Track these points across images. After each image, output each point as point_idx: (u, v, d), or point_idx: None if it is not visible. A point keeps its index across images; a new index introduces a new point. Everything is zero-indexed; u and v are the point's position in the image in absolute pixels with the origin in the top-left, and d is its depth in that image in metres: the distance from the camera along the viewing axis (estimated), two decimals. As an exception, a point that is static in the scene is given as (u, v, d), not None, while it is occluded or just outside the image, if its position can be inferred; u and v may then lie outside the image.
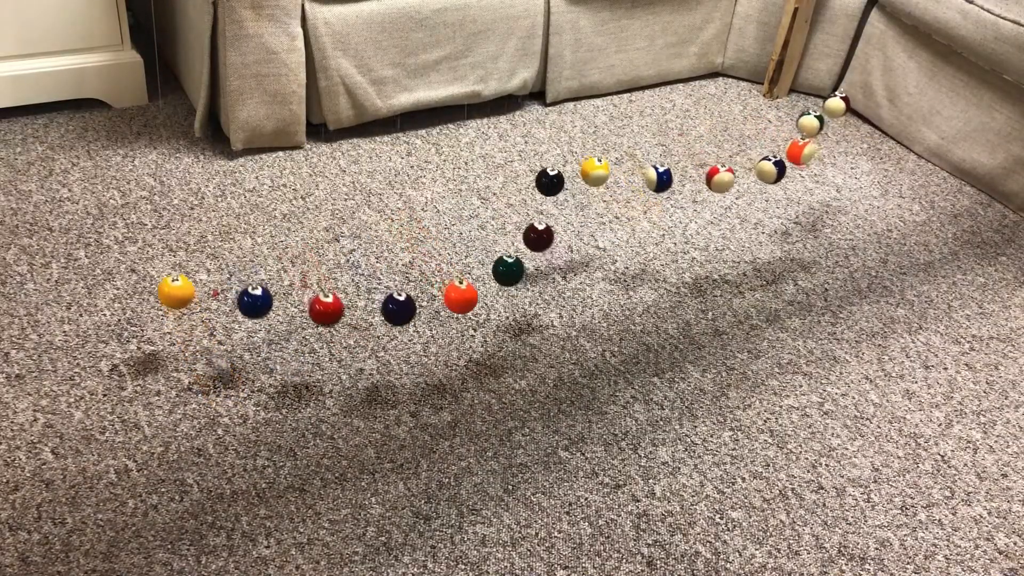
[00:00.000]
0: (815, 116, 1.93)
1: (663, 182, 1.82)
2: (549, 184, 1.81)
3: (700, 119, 2.46)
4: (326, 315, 1.49)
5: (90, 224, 1.87)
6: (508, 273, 1.64)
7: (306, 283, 1.77)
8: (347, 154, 2.16)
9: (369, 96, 2.17)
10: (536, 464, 1.48)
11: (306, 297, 1.74)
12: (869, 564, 1.38)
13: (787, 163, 1.95)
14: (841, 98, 1.98)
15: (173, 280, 1.49)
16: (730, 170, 1.83)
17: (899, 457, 1.56)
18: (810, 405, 1.64)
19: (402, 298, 1.51)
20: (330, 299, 1.48)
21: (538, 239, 1.75)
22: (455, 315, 1.74)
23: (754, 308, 1.85)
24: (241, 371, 1.58)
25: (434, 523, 1.38)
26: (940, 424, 1.63)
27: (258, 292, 1.49)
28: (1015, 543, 1.44)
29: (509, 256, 1.64)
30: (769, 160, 1.87)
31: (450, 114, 2.34)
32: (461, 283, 1.54)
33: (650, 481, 1.47)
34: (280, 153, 2.14)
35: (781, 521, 1.44)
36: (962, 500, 1.50)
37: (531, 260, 1.89)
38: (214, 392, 1.54)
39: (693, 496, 1.46)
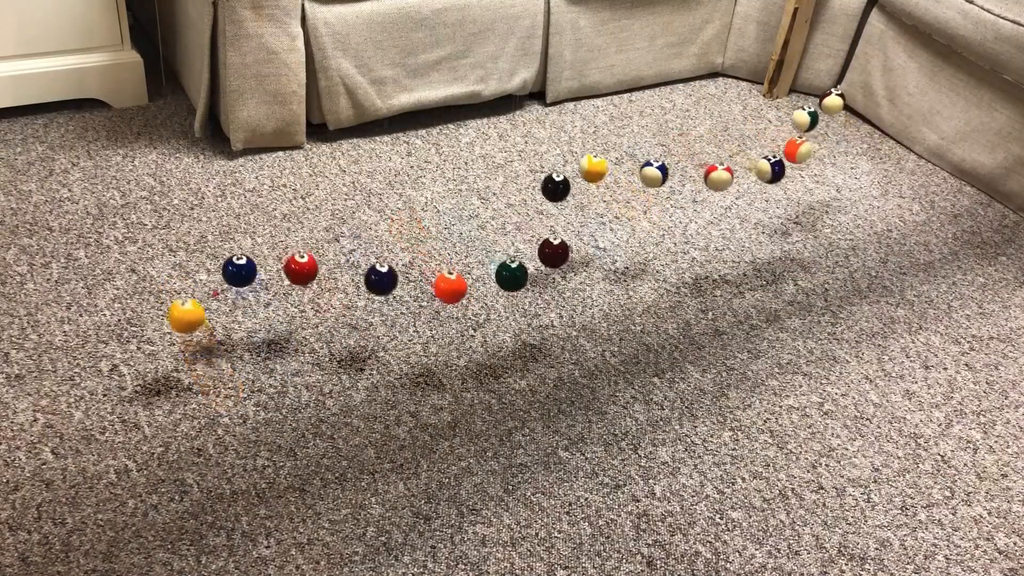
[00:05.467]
0: (808, 112, 1.93)
1: (664, 174, 1.82)
2: (555, 191, 1.79)
3: (700, 119, 2.46)
4: (300, 275, 1.55)
5: (90, 224, 1.87)
6: (512, 279, 1.64)
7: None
8: (347, 154, 2.16)
9: (369, 96, 2.17)
10: (536, 464, 1.48)
11: (306, 297, 1.74)
12: (869, 564, 1.38)
13: (786, 163, 1.95)
14: (838, 95, 1.99)
15: (183, 304, 1.49)
16: (728, 169, 1.83)
17: (899, 457, 1.56)
18: (810, 405, 1.64)
19: (384, 269, 1.55)
20: (305, 259, 1.54)
21: (553, 255, 1.74)
22: (454, 316, 1.74)
23: (754, 308, 1.85)
24: (241, 371, 1.58)
25: (434, 523, 1.38)
26: (940, 424, 1.63)
27: (242, 261, 1.53)
28: (1015, 543, 1.44)
29: (512, 260, 1.64)
30: (768, 160, 1.87)
31: (450, 114, 2.34)
32: (451, 274, 1.55)
33: (650, 481, 1.47)
34: (280, 153, 2.14)
35: (781, 521, 1.44)
36: (962, 500, 1.50)
37: (532, 260, 1.89)
38: (214, 392, 1.54)
39: (693, 496, 1.46)
